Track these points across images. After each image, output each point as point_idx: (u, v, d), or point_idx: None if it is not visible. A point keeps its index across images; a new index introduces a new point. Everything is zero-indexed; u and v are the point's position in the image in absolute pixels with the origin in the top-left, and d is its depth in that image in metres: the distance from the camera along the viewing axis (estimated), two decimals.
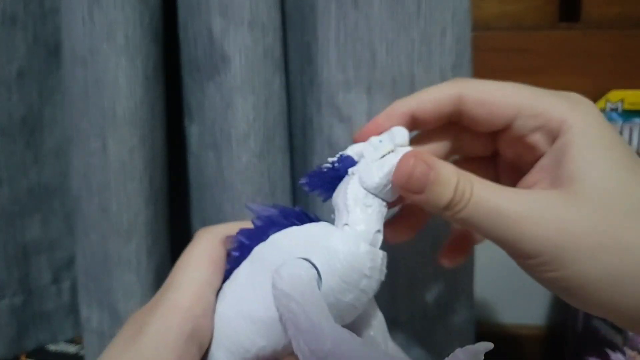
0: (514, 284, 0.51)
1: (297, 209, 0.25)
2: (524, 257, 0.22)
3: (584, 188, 0.21)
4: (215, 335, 0.24)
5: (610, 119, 0.44)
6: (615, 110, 0.44)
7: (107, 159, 0.37)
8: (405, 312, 0.39)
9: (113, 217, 0.38)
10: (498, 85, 0.25)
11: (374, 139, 0.25)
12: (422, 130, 0.28)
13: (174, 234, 0.42)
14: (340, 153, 0.26)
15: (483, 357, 0.22)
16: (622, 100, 0.44)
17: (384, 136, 0.25)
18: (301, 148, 0.41)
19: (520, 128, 0.24)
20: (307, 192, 0.26)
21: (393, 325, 0.39)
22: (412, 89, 0.35)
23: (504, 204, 0.22)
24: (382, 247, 0.24)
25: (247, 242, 0.25)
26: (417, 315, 0.39)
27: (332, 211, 0.25)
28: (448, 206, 0.22)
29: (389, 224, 0.28)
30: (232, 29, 0.35)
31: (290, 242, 0.24)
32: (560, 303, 0.44)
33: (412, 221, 0.29)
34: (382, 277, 0.24)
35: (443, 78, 0.35)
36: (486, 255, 0.42)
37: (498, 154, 0.28)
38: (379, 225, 0.24)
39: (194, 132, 0.41)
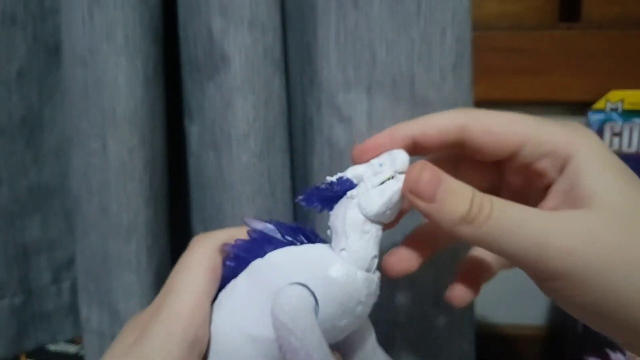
0: (513, 284, 0.51)
1: (293, 225, 0.26)
2: (547, 278, 0.21)
3: (606, 205, 0.21)
4: (213, 346, 0.24)
5: (610, 119, 0.44)
6: (615, 110, 0.44)
7: (107, 159, 0.37)
8: (405, 312, 0.39)
9: (113, 217, 0.38)
10: (503, 115, 0.25)
11: (374, 162, 0.25)
12: (421, 156, 0.27)
13: (174, 234, 0.42)
14: (340, 175, 0.26)
15: None
16: (622, 100, 0.44)
17: (384, 159, 0.25)
18: (301, 148, 0.41)
19: (528, 156, 0.24)
20: (304, 207, 0.26)
21: (393, 325, 0.39)
22: (412, 88, 0.35)
23: (530, 218, 0.21)
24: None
25: (242, 254, 0.25)
26: (416, 315, 0.39)
27: (328, 221, 0.26)
28: (465, 219, 0.22)
29: (393, 254, 0.28)
30: (232, 29, 0.35)
31: (289, 265, 0.24)
32: None
33: (417, 251, 0.28)
34: (376, 299, 0.24)
35: (443, 78, 0.35)
36: None
37: (498, 187, 0.28)
38: (375, 250, 0.24)
39: (194, 132, 0.41)
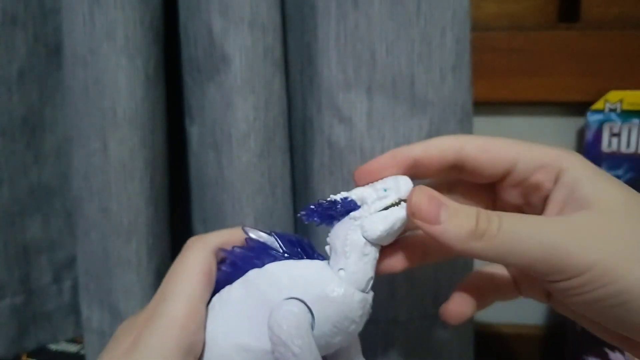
0: None
1: (292, 237, 0.26)
2: (571, 275, 0.22)
3: (608, 205, 0.22)
4: (205, 353, 0.25)
5: (609, 120, 0.45)
6: (614, 110, 0.44)
7: (107, 159, 0.37)
8: (404, 311, 0.39)
9: (113, 217, 0.38)
10: (495, 138, 0.26)
11: (379, 187, 0.26)
12: (421, 180, 0.28)
13: (175, 234, 0.42)
14: (344, 195, 0.26)
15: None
16: (621, 101, 0.44)
17: (389, 184, 0.26)
18: (301, 148, 0.41)
19: (522, 171, 0.25)
20: (305, 222, 0.26)
21: (392, 324, 0.39)
22: (411, 89, 0.35)
23: (541, 224, 0.22)
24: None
25: (240, 262, 0.26)
26: (416, 314, 0.39)
27: (327, 237, 0.26)
28: (475, 234, 0.22)
29: (386, 253, 0.28)
30: (233, 29, 0.35)
31: (287, 279, 0.24)
32: None
33: (409, 253, 0.29)
34: (368, 317, 0.25)
35: (443, 78, 0.35)
36: None
37: (495, 209, 0.28)
38: (372, 272, 0.25)
39: (194, 132, 0.41)
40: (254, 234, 0.26)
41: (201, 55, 0.38)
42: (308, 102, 0.39)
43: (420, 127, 0.35)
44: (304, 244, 0.26)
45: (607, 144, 0.45)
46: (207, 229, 0.42)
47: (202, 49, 0.38)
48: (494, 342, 0.49)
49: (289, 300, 0.23)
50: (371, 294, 0.25)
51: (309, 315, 0.23)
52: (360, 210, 0.25)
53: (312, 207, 0.26)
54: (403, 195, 0.25)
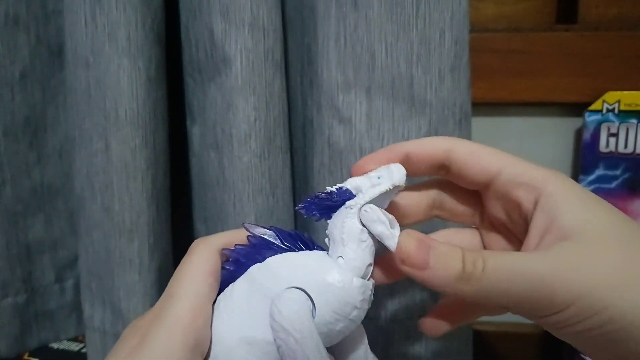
0: None
1: (291, 231, 0.27)
2: (557, 310, 0.22)
3: (590, 234, 0.22)
4: (213, 351, 0.25)
5: (607, 120, 0.45)
6: (612, 111, 0.45)
7: (109, 159, 0.38)
8: (404, 310, 0.39)
9: (116, 216, 0.38)
10: (486, 147, 0.27)
11: (372, 175, 0.26)
12: (412, 178, 0.28)
13: (176, 233, 0.43)
14: (339, 185, 0.27)
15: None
16: (618, 101, 0.44)
17: (382, 172, 0.26)
18: (301, 148, 0.41)
19: (505, 183, 0.25)
20: (304, 215, 0.27)
21: (392, 323, 0.39)
22: (410, 89, 0.35)
23: (528, 263, 0.22)
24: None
25: (242, 259, 0.26)
26: (415, 313, 0.39)
27: (326, 228, 0.26)
28: (461, 278, 0.22)
29: (432, 313, 0.29)
30: (233, 31, 0.36)
31: (287, 271, 0.25)
32: None
33: (451, 313, 0.29)
34: (370, 305, 0.25)
35: (441, 79, 0.35)
36: None
37: (481, 218, 0.29)
38: (370, 259, 0.25)
39: (195, 132, 0.41)
40: (254, 230, 0.26)
41: (202, 57, 0.38)
42: (308, 103, 0.39)
43: (419, 127, 0.36)
44: (304, 238, 0.26)
45: (605, 145, 0.45)
46: (208, 229, 0.42)
47: (204, 50, 0.38)
48: (492, 341, 0.50)
49: (289, 289, 0.24)
50: (372, 281, 0.25)
51: (309, 302, 0.24)
52: (355, 198, 0.26)
53: (309, 199, 0.27)
54: (396, 181, 0.25)
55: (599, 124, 0.45)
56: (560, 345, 0.48)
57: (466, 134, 0.37)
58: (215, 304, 0.26)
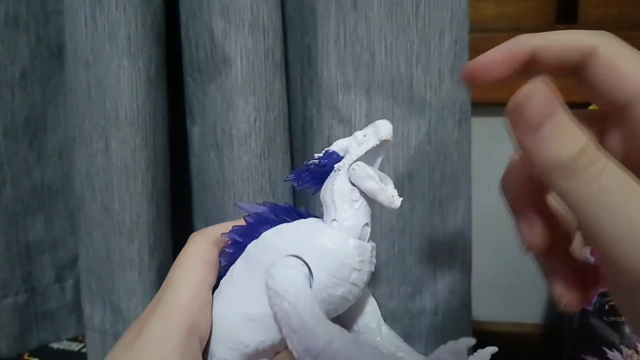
0: (511, 282, 0.52)
1: (286, 205, 0.26)
2: None
3: None
4: (215, 331, 0.25)
5: None
6: None
7: (109, 159, 0.38)
8: (403, 309, 0.39)
9: (116, 216, 0.38)
10: (636, 56, 0.20)
11: (358, 134, 0.26)
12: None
13: (176, 233, 0.43)
14: (326, 149, 0.26)
15: (466, 355, 0.22)
16: None
17: (367, 130, 0.26)
18: (301, 148, 0.41)
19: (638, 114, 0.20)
20: (296, 187, 0.26)
21: (391, 322, 0.39)
22: (410, 90, 0.35)
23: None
24: (374, 240, 0.25)
25: (240, 239, 0.26)
26: (414, 312, 0.39)
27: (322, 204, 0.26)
28: (568, 167, 0.18)
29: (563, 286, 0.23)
30: (233, 31, 0.36)
31: (281, 241, 0.24)
32: None
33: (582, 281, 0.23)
34: (372, 268, 0.24)
35: (441, 79, 0.35)
36: (484, 253, 0.43)
37: None
38: (366, 218, 0.24)
39: (195, 132, 0.41)
40: (248, 208, 0.26)
41: (202, 57, 0.38)
42: (308, 103, 0.39)
43: (418, 127, 0.36)
44: (300, 210, 0.26)
45: None
46: None
47: (204, 51, 0.38)
48: (492, 340, 0.50)
49: (284, 257, 0.23)
50: (372, 243, 0.25)
51: (305, 268, 0.23)
52: (343, 160, 0.25)
53: (298, 170, 0.26)
54: (382, 135, 0.24)
55: None
56: (561, 345, 0.48)
57: (466, 134, 0.37)
58: (217, 290, 0.26)
